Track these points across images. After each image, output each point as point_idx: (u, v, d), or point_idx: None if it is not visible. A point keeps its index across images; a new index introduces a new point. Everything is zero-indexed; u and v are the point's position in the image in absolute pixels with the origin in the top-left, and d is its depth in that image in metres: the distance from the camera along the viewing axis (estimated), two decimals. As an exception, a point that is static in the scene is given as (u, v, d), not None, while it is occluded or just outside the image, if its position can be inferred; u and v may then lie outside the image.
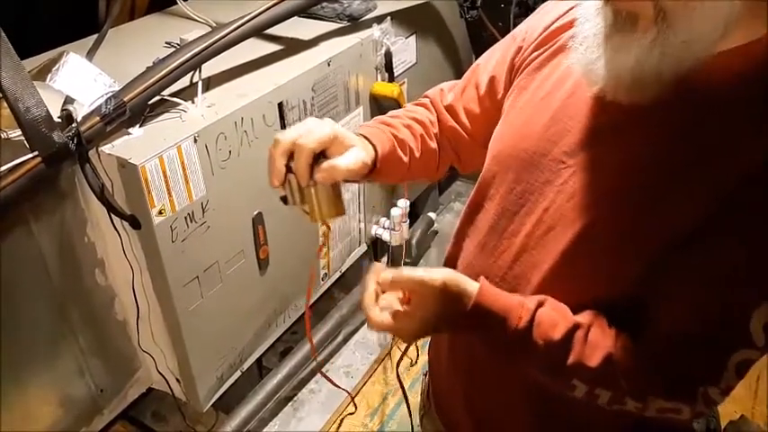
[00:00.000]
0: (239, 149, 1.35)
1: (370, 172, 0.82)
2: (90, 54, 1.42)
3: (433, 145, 0.92)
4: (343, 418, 1.83)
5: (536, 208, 0.74)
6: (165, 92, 1.28)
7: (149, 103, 1.25)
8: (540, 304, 0.69)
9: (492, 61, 0.88)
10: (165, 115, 1.29)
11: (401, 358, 0.87)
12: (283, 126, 1.46)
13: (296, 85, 1.47)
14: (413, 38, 1.91)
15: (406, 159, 0.87)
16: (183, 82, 1.33)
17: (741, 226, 0.59)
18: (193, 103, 1.32)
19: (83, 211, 1.25)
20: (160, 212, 1.21)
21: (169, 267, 1.27)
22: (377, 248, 2.20)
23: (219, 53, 1.32)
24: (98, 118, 1.14)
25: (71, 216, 1.23)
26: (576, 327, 0.68)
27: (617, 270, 0.67)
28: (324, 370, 1.95)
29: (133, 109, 1.19)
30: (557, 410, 0.79)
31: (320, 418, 1.83)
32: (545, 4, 0.83)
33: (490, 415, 0.88)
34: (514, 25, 1.47)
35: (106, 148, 1.19)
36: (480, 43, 2.25)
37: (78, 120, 1.12)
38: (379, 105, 1.78)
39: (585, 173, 0.69)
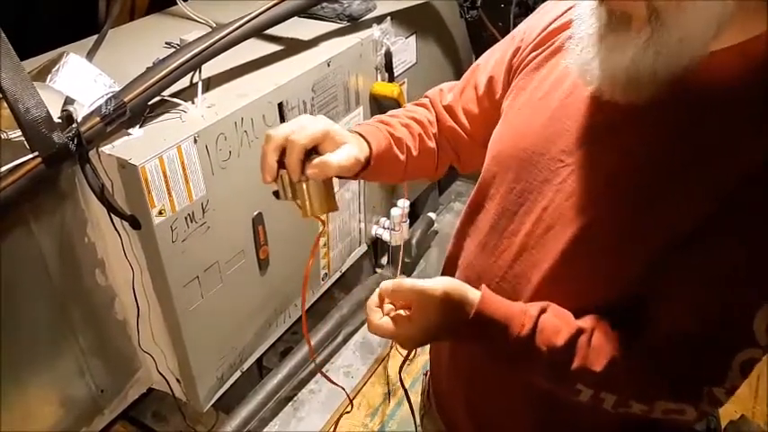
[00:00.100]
0: (239, 150, 1.35)
1: (364, 169, 0.82)
2: (90, 54, 1.42)
3: (432, 144, 0.92)
4: (341, 417, 1.82)
5: (535, 207, 0.74)
6: (165, 92, 1.28)
7: (149, 103, 1.25)
8: (542, 311, 0.69)
9: (491, 62, 0.89)
10: (165, 116, 1.29)
11: (403, 363, 0.86)
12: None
13: (296, 86, 1.47)
14: (413, 38, 1.91)
15: (402, 158, 0.87)
16: (183, 82, 1.33)
17: (741, 226, 0.59)
18: (193, 103, 1.33)
19: (83, 211, 1.25)
20: (160, 213, 1.21)
21: (169, 267, 1.27)
22: (377, 248, 2.20)
23: (219, 53, 1.32)
24: (98, 118, 1.14)
25: (71, 216, 1.23)
26: (580, 331, 0.68)
27: (616, 269, 0.67)
28: (324, 370, 1.95)
29: (133, 109, 1.19)
30: (559, 415, 0.79)
31: (320, 418, 1.83)
32: (544, 4, 0.83)
33: (491, 420, 0.88)
34: (514, 25, 1.47)
35: (106, 149, 1.19)
36: (480, 43, 2.25)
37: (78, 120, 1.12)
38: (379, 105, 1.78)
39: (582, 172, 0.69)
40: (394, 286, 0.69)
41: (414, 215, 2.31)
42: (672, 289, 0.64)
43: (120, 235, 1.24)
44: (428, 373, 1.06)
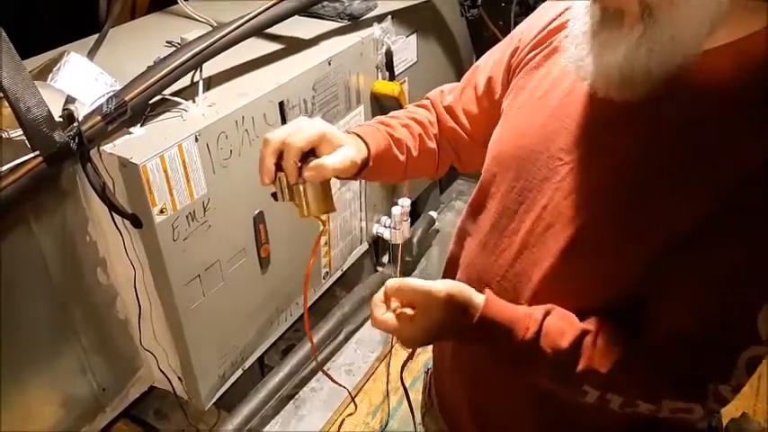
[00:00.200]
0: (240, 148, 1.35)
1: (363, 169, 0.82)
2: (91, 53, 1.42)
3: (432, 145, 0.92)
4: (344, 418, 1.83)
5: (535, 205, 0.74)
6: (166, 91, 1.28)
7: (150, 102, 1.25)
8: (546, 313, 0.69)
9: (490, 62, 0.89)
10: (166, 114, 1.30)
11: (405, 363, 0.87)
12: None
13: (297, 84, 1.47)
14: (413, 36, 1.91)
15: (402, 158, 0.88)
16: (184, 81, 1.33)
17: (741, 226, 0.59)
18: (194, 102, 1.33)
19: (84, 210, 1.25)
20: (161, 211, 1.21)
21: (171, 266, 1.27)
22: (378, 247, 2.20)
23: (220, 52, 1.33)
24: (99, 117, 1.14)
25: (72, 215, 1.23)
26: (585, 333, 0.68)
27: (615, 268, 0.67)
28: (325, 368, 1.96)
29: (134, 108, 1.20)
30: (563, 415, 0.79)
31: (322, 416, 1.83)
32: (544, 3, 0.83)
33: (494, 420, 0.88)
34: (515, 24, 1.47)
35: (107, 148, 1.19)
36: (481, 42, 2.25)
37: (79, 119, 1.12)
38: (380, 104, 1.78)
39: (580, 170, 0.69)
40: (399, 285, 0.69)
41: (415, 214, 2.31)
42: (672, 289, 0.64)
43: (121, 234, 1.24)
44: (430, 371, 1.06)
